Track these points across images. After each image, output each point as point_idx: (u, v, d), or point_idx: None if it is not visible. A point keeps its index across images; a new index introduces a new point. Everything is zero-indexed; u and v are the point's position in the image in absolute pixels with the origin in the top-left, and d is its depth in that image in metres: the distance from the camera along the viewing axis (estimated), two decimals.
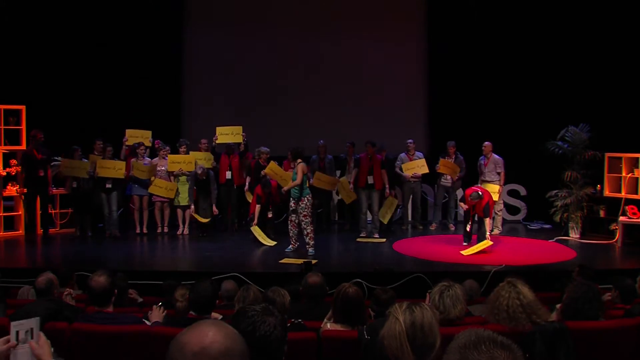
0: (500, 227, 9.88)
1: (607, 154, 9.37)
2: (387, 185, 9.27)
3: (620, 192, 9.19)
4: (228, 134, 9.71)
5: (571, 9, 10.71)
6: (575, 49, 10.70)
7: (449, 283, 3.63)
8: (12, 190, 9.40)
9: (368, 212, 9.44)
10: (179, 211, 9.69)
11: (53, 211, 9.72)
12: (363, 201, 9.31)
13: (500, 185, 9.71)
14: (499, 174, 9.72)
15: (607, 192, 9.39)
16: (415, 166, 9.92)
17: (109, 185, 9.07)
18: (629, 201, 9.00)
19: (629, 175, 9.12)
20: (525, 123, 10.79)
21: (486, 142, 9.80)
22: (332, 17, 11.79)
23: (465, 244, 8.49)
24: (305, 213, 7.89)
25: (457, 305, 3.53)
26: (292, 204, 8.01)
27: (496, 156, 9.77)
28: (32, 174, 8.69)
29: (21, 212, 9.31)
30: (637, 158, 9.11)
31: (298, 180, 7.85)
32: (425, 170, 9.94)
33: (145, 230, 9.57)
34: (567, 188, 9.49)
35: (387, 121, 11.44)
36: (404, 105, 11.83)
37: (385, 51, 11.81)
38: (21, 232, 9.26)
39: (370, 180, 9.21)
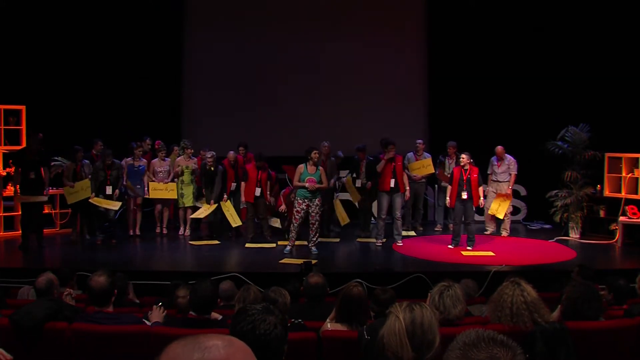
0: (508, 229, 9.74)
1: (607, 154, 9.38)
2: (407, 188, 8.77)
3: (620, 192, 9.20)
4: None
5: (571, 9, 10.72)
6: (576, 49, 10.70)
7: (449, 283, 3.64)
8: (12, 190, 9.39)
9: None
10: (180, 212, 9.68)
11: (53, 211, 9.71)
12: (383, 205, 8.70)
13: (509, 187, 9.57)
14: (510, 175, 9.55)
15: (607, 192, 9.40)
16: (421, 166, 9.84)
17: (109, 193, 8.98)
18: (629, 201, 9.01)
19: (629, 175, 9.13)
20: (525, 123, 10.79)
21: (499, 147, 9.59)
22: (333, 18, 11.79)
23: (451, 246, 8.48)
24: (319, 213, 8.12)
25: (457, 305, 3.54)
26: (304, 205, 8.03)
27: (510, 157, 9.61)
28: (24, 174, 8.56)
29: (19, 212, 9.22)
30: (637, 158, 9.11)
31: (325, 183, 8.18)
32: (431, 170, 9.85)
33: (138, 232, 9.48)
34: (567, 188, 9.49)
35: (387, 122, 11.43)
36: (404, 105, 11.82)
37: (386, 51, 11.81)
38: (19, 232, 9.16)
39: (393, 183, 8.58)
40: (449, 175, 9.27)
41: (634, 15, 10.30)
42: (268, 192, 9.12)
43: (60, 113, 10.67)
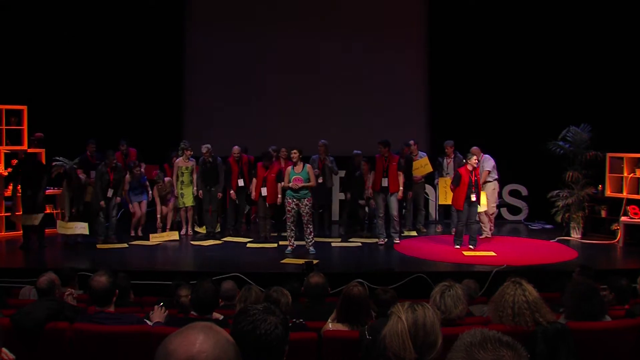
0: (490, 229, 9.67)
1: (609, 154, 9.37)
2: (401, 188, 8.73)
3: (621, 192, 9.18)
4: None
5: (572, 9, 10.71)
6: (576, 49, 10.70)
7: (450, 283, 3.66)
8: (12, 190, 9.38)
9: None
10: (182, 212, 9.68)
11: (54, 211, 9.71)
12: (379, 205, 8.76)
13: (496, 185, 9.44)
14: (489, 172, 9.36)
15: (608, 192, 9.39)
16: (419, 166, 9.80)
17: (109, 195, 8.92)
18: (630, 201, 9.00)
19: (631, 175, 9.12)
20: (527, 123, 10.79)
21: (474, 147, 9.25)
22: (333, 18, 11.80)
23: (457, 246, 8.44)
24: (310, 212, 8.08)
25: (458, 305, 3.55)
26: (293, 204, 8.03)
27: (486, 155, 9.44)
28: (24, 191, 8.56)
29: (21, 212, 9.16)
30: (639, 158, 9.11)
31: (313, 182, 8.12)
32: (430, 169, 9.80)
33: (140, 233, 9.48)
34: (568, 188, 9.48)
35: (387, 121, 11.44)
36: (405, 105, 11.83)
37: (386, 51, 11.81)
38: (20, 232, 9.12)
39: (385, 182, 8.61)
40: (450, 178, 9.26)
41: (635, 14, 10.29)
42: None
43: (61, 113, 10.68)
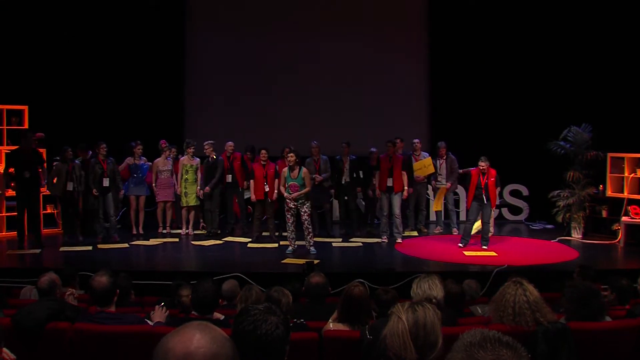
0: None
1: (610, 154, 9.36)
2: (406, 188, 8.87)
3: (622, 192, 9.18)
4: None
5: (573, 9, 10.71)
6: (577, 49, 10.69)
7: (428, 274, 3.87)
8: (11, 191, 9.38)
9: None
10: (184, 211, 9.68)
11: (55, 211, 9.71)
12: (384, 204, 8.93)
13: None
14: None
15: (609, 192, 9.39)
16: (422, 166, 9.80)
17: (106, 185, 8.91)
18: (631, 201, 8.99)
19: (632, 175, 9.11)
20: (528, 123, 10.78)
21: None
22: (333, 17, 11.80)
23: (460, 245, 8.46)
24: (309, 213, 8.06)
25: (433, 289, 3.71)
26: (292, 205, 8.02)
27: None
28: (19, 173, 8.51)
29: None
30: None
31: (308, 187, 8.01)
32: (432, 170, 9.79)
33: (141, 231, 9.51)
34: (569, 188, 9.48)
35: (388, 122, 11.43)
36: (405, 105, 11.82)
37: (387, 50, 11.81)
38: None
39: (390, 182, 8.78)
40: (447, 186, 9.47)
41: (635, 14, 10.29)
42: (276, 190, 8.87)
43: (62, 113, 10.69)
